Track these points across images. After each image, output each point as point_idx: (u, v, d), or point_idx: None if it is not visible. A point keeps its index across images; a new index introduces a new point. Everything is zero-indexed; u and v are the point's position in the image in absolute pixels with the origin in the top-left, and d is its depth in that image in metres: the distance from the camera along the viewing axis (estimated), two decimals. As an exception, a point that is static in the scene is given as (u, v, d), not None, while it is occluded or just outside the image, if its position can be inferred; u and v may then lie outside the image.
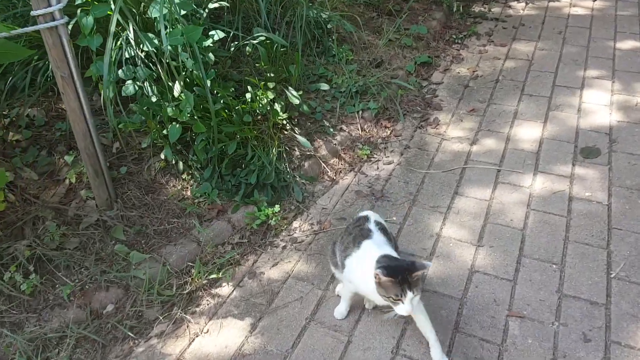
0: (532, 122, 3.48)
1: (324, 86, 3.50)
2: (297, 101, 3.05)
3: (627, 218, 2.69)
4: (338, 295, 2.33)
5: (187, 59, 2.61)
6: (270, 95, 3.02)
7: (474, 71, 4.11)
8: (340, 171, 3.14)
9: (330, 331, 2.19)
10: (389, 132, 3.48)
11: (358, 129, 3.45)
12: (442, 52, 4.37)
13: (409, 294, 1.79)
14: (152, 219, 2.65)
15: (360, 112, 3.56)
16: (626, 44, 4.27)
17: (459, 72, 4.11)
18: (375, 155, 3.28)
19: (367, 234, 2.06)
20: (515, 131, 3.41)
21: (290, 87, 3.21)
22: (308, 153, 3.12)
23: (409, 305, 1.79)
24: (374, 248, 1.98)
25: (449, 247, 2.60)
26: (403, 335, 2.16)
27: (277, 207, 2.72)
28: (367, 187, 3.02)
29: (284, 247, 2.63)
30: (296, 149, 3.10)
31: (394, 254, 1.98)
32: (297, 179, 2.96)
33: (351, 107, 3.54)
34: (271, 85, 3.10)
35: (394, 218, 2.78)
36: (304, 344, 2.16)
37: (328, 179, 3.08)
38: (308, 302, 2.34)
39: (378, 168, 3.17)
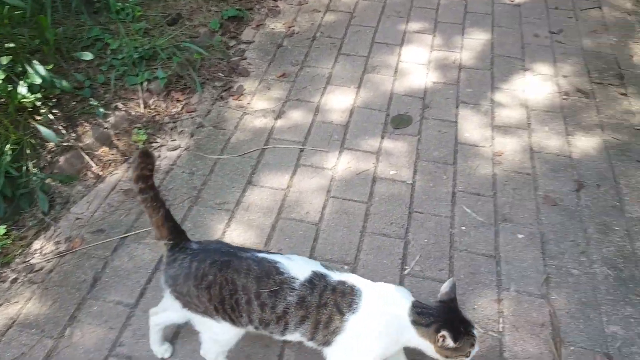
0: (346, 88, 3.15)
1: (87, 55, 2.85)
2: (38, 79, 2.40)
3: (430, 198, 2.49)
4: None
5: None
6: (1, 75, 2.34)
7: (290, 27, 3.66)
8: (110, 164, 2.59)
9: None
10: (180, 107, 2.96)
11: (140, 106, 2.89)
12: (257, 4, 3.86)
13: (476, 332, 1.61)
14: None
15: (146, 84, 2.98)
16: (450, -7, 4.07)
17: (273, 29, 3.64)
18: (158, 139, 2.76)
19: (348, 293, 1.59)
20: (326, 100, 3.06)
21: (35, 61, 2.53)
22: (66, 144, 2.52)
23: (477, 346, 1.61)
24: (379, 296, 1.61)
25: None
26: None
27: (1, 229, 2.13)
28: (142, 183, 2.52)
29: (15, 281, 2.07)
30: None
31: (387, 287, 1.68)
32: (47, 181, 2.36)
33: (133, 78, 2.95)
34: (5, 60, 2.41)
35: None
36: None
37: (92, 176, 2.52)
38: None
39: (160, 156, 2.67)
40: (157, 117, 2.87)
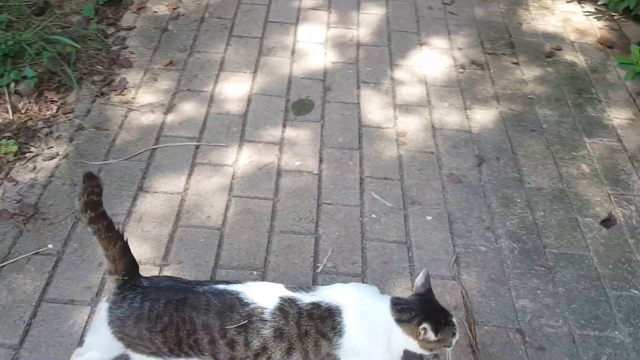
0: (241, 74, 2.96)
1: None
2: None
3: (338, 187, 2.41)
4: None
5: None
6: None
7: (174, 8, 3.38)
8: (-27, 184, 2.26)
9: None
10: (55, 108, 2.64)
11: (7, 112, 2.53)
12: (136, -15, 3.52)
13: (455, 320, 1.58)
14: None
15: (13, 85, 2.62)
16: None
17: (156, 11, 3.35)
18: (32, 149, 2.44)
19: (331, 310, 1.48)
20: (220, 88, 2.86)
21: None
22: None
23: (457, 335, 1.59)
24: (358, 303, 1.53)
25: (126, 274, 2.01)
26: None
27: None
28: (16, 203, 2.21)
29: None
30: None
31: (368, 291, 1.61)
32: None
33: (-5, 80, 2.58)
34: None
35: (50, 246, 2.06)
36: None
37: (-50, 201, 2.18)
38: None
39: (35, 168, 2.36)
40: (29, 123, 2.53)
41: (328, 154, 2.57)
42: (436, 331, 1.46)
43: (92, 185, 1.38)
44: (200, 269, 2.03)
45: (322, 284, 2.00)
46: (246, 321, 1.41)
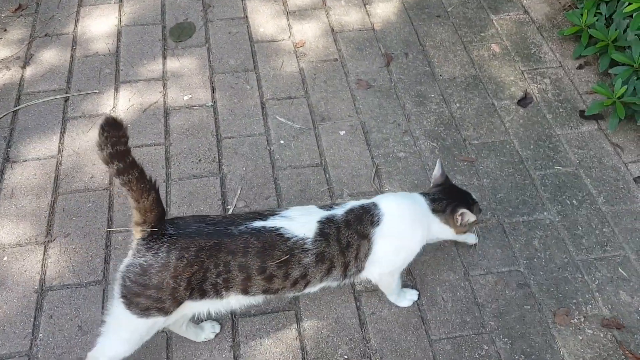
0: (105, 6, 2.56)
1: None
2: None
3: (237, 117, 2.17)
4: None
5: None
6: None
7: (10, -61, 2.84)
8: None
9: None
10: None
11: None
12: None
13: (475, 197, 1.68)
14: None
15: None
16: None
17: (-13, -54, 2.80)
18: None
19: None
20: (83, 27, 2.47)
21: None
22: None
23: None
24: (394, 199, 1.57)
25: (4, 265, 1.74)
26: None
27: None
28: None
29: None
30: None
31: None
32: None
33: None
34: None
35: None
36: None
37: None
38: None
39: None
40: None
41: (220, 81, 2.30)
42: (471, 212, 1.52)
43: (116, 133, 1.18)
44: (92, 238, 1.79)
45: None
46: (288, 256, 1.36)
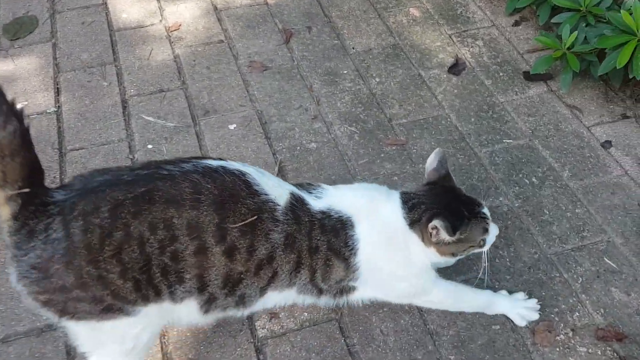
0: None
1: None
2: None
3: (89, 122, 1.65)
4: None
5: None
6: None
7: None
8: None
9: None
10: None
11: None
12: None
13: (487, 211, 1.14)
14: None
15: None
16: None
17: None
18: None
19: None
20: None
21: None
22: None
23: (494, 227, 1.17)
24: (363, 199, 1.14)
25: None
26: None
27: None
28: None
29: None
30: None
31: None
32: None
33: None
34: None
35: None
36: None
37: None
38: None
39: None
40: None
41: (68, 80, 1.77)
42: (453, 228, 1.04)
43: None
44: None
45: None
46: (255, 217, 0.98)
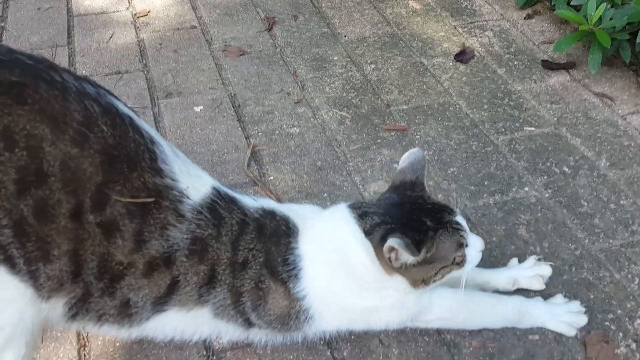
0: None
1: None
2: None
3: None
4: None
5: None
6: None
7: None
8: None
9: None
10: None
11: None
12: None
13: (463, 222, 0.85)
14: None
15: None
16: None
17: None
18: None
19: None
20: None
21: None
22: None
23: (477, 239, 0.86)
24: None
25: None
26: None
27: None
28: None
29: None
30: None
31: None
32: None
33: None
34: None
35: None
36: None
37: None
38: None
39: None
40: None
41: (11, 60, 1.54)
42: (417, 246, 0.77)
43: None
44: None
45: None
46: (152, 200, 0.72)
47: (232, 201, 0.82)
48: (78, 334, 0.93)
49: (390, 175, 1.26)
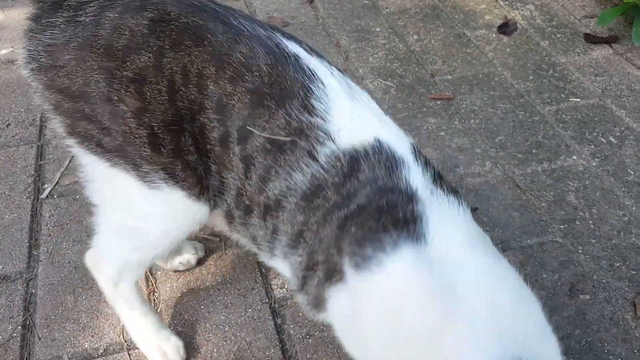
0: None
1: None
2: None
3: None
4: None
5: None
6: None
7: None
8: None
9: None
10: None
11: None
12: None
13: None
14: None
15: None
16: None
17: None
18: None
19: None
20: None
21: None
22: None
23: None
24: None
25: None
26: None
27: None
28: None
29: None
30: None
31: None
32: None
33: None
34: None
35: None
36: None
37: None
38: None
39: None
40: None
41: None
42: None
43: None
44: None
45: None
46: (288, 138, 0.72)
47: (394, 163, 0.72)
48: (147, 279, 1.00)
49: (437, 143, 1.31)
